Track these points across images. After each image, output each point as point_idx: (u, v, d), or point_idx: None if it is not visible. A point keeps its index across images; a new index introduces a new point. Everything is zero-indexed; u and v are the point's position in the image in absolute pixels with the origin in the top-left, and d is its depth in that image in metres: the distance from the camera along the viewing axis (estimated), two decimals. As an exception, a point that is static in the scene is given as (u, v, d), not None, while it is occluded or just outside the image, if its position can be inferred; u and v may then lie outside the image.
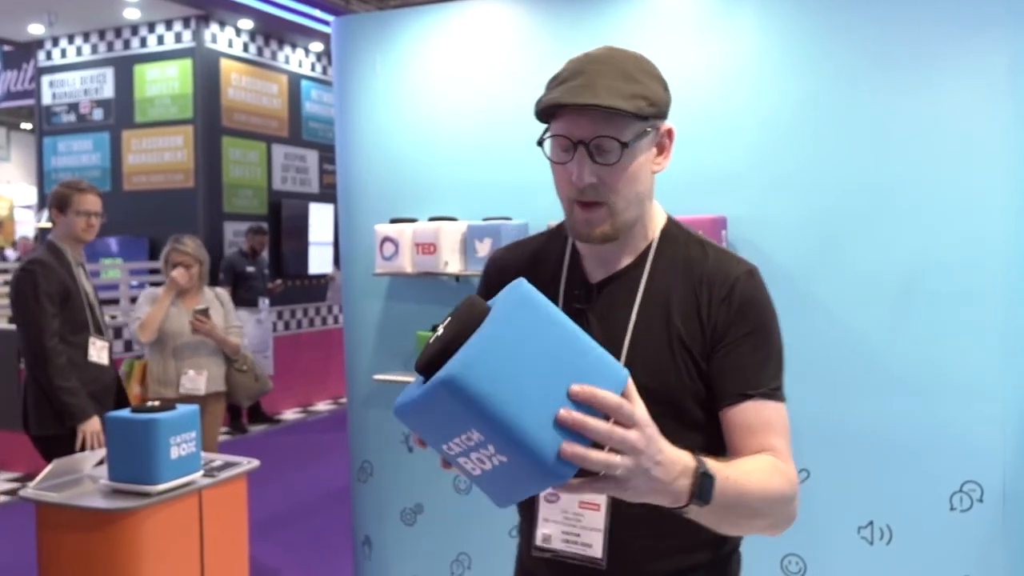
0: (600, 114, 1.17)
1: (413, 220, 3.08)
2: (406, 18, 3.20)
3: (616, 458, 0.91)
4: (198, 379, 3.84)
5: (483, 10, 3.07)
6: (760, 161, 2.63)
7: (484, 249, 2.88)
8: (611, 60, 1.21)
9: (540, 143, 1.25)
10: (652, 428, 0.96)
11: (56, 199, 3.40)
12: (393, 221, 3.09)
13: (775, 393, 1.25)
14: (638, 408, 0.95)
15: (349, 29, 3.29)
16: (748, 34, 2.66)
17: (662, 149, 1.28)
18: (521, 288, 0.98)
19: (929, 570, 2.46)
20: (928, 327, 2.43)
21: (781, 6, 2.63)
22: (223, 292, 4.13)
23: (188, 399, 3.62)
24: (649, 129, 1.22)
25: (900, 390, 2.46)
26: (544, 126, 1.27)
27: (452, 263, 2.97)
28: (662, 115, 1.24)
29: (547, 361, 0.91)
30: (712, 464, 1.05)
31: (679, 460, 1.00)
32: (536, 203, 2.92)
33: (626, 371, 0.96)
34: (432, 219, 3.04)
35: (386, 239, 3.05)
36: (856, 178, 2.51)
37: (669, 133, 1.28)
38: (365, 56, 3.22)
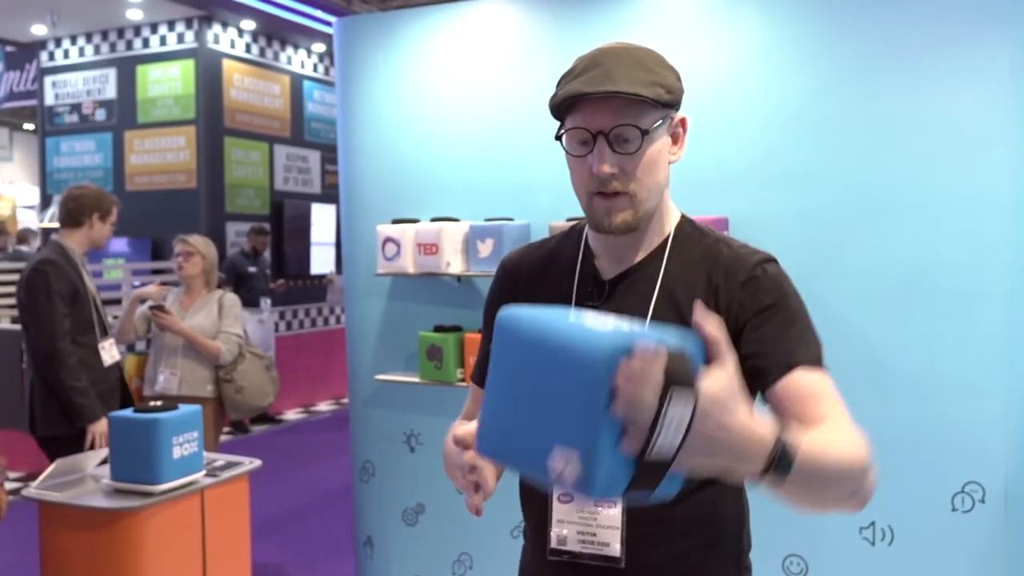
0: (620, 103, 1.17)
1: (415, 220, 3.08)
2: (408, 19, 3.20)
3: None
4: (171, 380, 3.76)
5: (485, 11, 3.07)
6: (761, 161, 2.63)
7: (486, 250, 2.88)
8: (626, 52, 1.22)
9: (558, 137, 1.25)
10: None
11: (100, 206, 3.42)
12: (395, 221, 3.10)
13: (820, 361, 1.19)
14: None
15: (351, 30, 3.30)
16: (749, 35, 2.67)
17: (676, 139, 1.28)
18: (500, 320, 0.99)
19: (931, 571, 2.46)
20: (930, 327, 2.43)
21: (783, 6, 2.63)
22: (231, 297, 3.99)
23: (162, 398, 3.59)
24: (666, 118, 1.23)
25: (902, 390, 2.46)
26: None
27: (454, 263, 2.97)
28: (677, 104, 1.24)
29: (538, 393, 0.92)
30: (791, 436, 0.95)
31: (754, 433, 0.90)
32: (538, 204, 2.92)
33: (611, 341, 0.86)
34: (434, 219, 3.04)
35: (388, 239, 3.06)
36: (858, 178, 2.52)
37: (683, 123, 1.28)
38: (367, 57, 3.23)
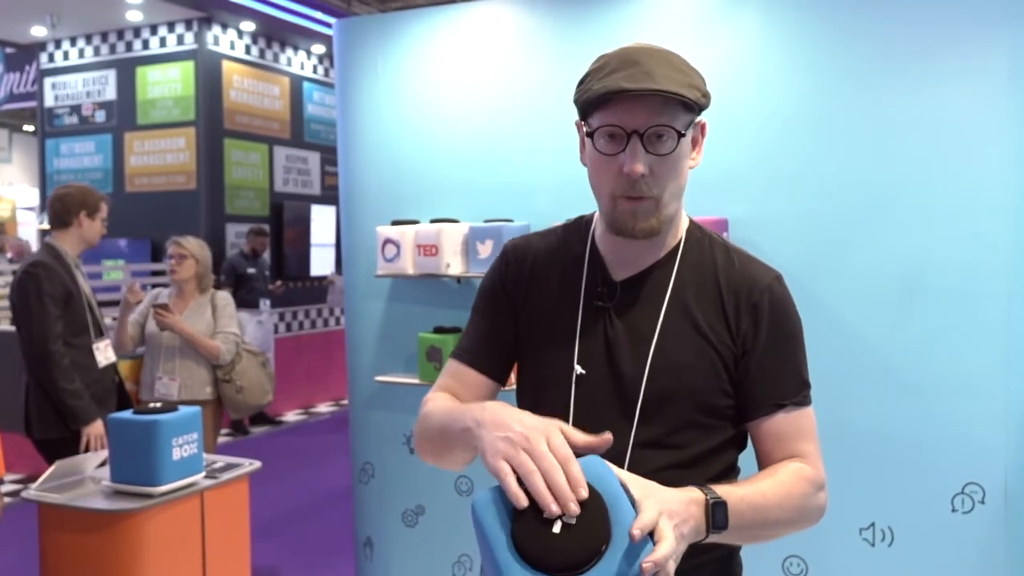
0: (657, 102, 1.15)
1: (415, 222, 3.08)
2: (408, 20, 3.20)
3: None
4: (171, 385, 3.75)
5: (485, 12, 3.07)
6: (760, 163, 2.63)
7: (486, 251, 2.88)
8: (659, 52, 1.19)
9: (591, 135, 1.21)
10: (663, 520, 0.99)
11: (86, 204, 3.40)
12: (395, 223, 3.10)
13: (806, 399, 1.28)
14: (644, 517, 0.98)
15: (351, 31, 3.30)
16: (749, 36, 2.67)
17: (695, 144, 1.26)
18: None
19: (931, 572, 2.46)
20: (929, 327, 2.43)
21: (782, 7, 2.63)
22: (223, 295, 3.98)
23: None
24: (693, 122, 1.22)
25: (901, 390, 2.46)
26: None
27: (454, 265, 2.97)
28: (704, 109, 1.23)
29: None
30: (724, 490, 1.10)
31: (687, 500, 1.05)
32: (537, 204, 2.92)
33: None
34: (434, 221, 3.04)
35: (388, 241, 3.06)
36: (857, 179, 2.52)
37: (703, 128, 1.27)
38: (367, 58, 3.23)
